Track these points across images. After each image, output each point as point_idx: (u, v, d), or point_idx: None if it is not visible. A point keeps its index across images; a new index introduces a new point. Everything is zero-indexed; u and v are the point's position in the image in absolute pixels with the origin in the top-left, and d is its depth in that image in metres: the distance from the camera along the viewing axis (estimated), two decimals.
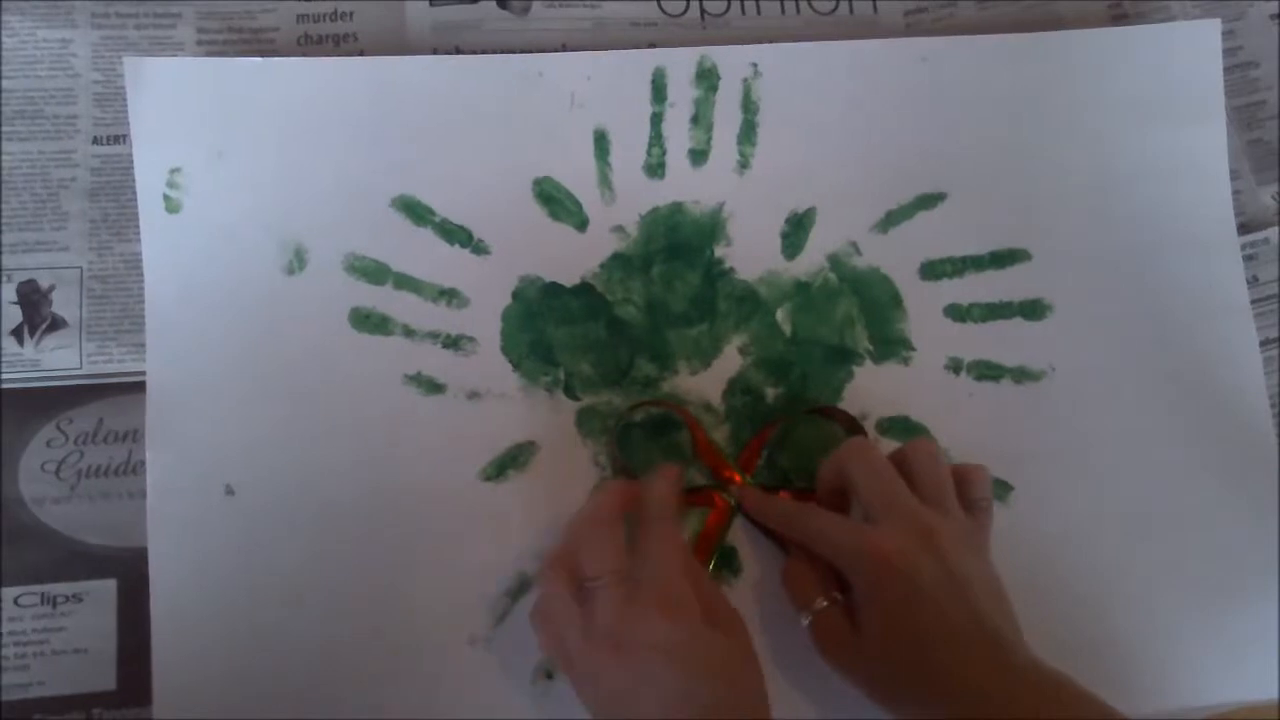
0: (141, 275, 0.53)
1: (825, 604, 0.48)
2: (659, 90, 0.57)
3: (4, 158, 0.55)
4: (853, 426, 0.55)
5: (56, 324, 0.54)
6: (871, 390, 0.56)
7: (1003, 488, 0.55)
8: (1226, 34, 0.61)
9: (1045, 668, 0.45)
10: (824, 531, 0.48)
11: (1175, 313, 0.58)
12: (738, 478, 0.53)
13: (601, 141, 0.57)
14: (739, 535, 0.53)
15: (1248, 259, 0.59)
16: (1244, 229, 0.59)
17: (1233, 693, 0.54)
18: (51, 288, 0.54)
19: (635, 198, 0.57)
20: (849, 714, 0.49)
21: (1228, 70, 0.60)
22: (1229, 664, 0.54)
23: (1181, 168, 0.59)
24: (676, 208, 0.57)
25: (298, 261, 0.54)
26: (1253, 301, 0.59)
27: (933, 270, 0.57)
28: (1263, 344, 0.58)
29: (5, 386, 0.52)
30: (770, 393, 0.55)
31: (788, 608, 0.50)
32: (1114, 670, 0.53)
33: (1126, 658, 0.54)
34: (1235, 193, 0.60)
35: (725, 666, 0.44)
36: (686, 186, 0.57)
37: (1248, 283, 0.59)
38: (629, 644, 0.44)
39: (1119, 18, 0.63)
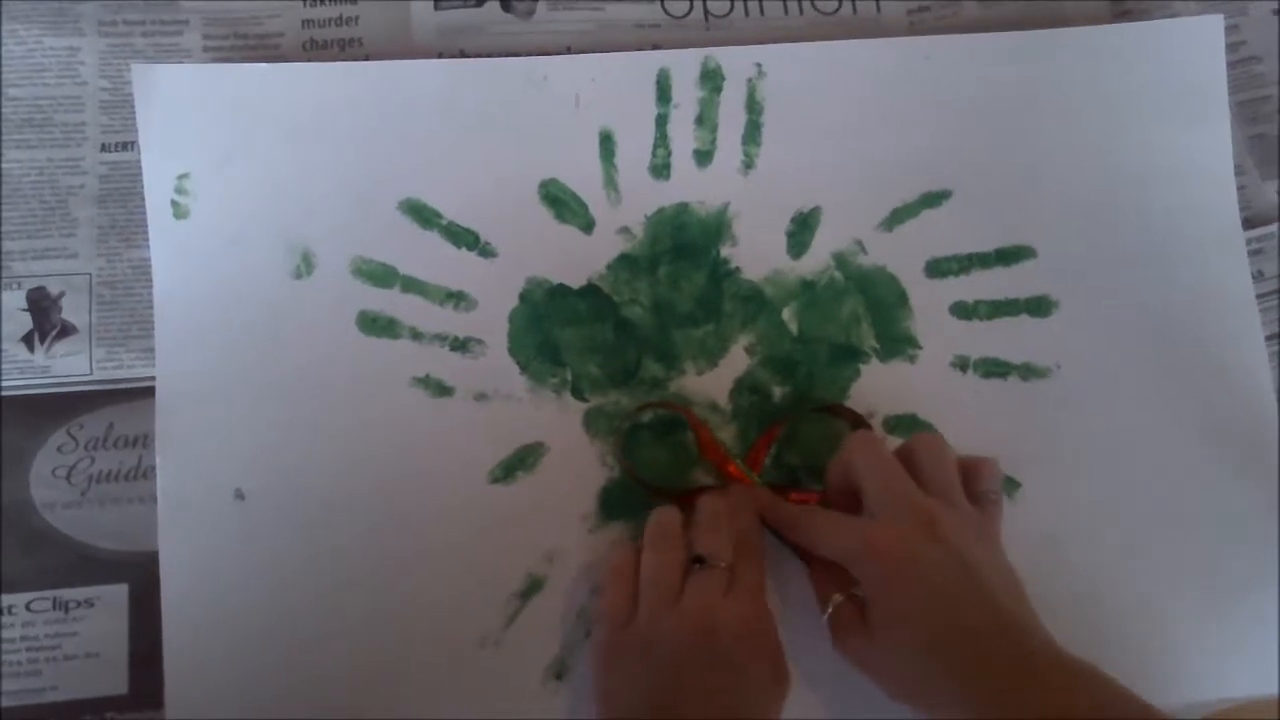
0: (150, 281, 0.53)
1: (841, 599, 0.48)
2: (663, 91, 0.57)
3: (13, 165, 0.55)
4: (859, 424, 0.55)
5: (66, 330, 0.54)
6: (878, 388, 0.56)
7: (1010, 485, 0.55)
8: (1230, 29, 0.61)
9: (1067, 655, 0.44)
10: (824, 532, 0.48)
11: (1181, 308, 0.58)
12: (745, 478, 0.53)
13: (607, 143, 0.57)
14: None
15: (1252, 254, 0.59)
16: (1248, 224, 0.59)
17: (1234, 688, 0.54)
18: (61, 294, 0.54)
19: (641, 199, 0.57)
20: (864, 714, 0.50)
21: (1231, 65, 0.60)
22: (1230, 659, 0.54)
23: (1186, 163, 0.59)
24: (682, 208, 0.57)
25: (305, 266, 0.54)
26: (1257, 296, 0.59)
27: (938, 268, 0.57)
28: (1266, 339, 0.58)
29: (16, 393, 0.53)
30: (777, 391, 0.56)
31: (796, 607, 0.50)
32: (1117, 665, 0.52)
33: (1129, 653, 0.53)
34: (1239, 188, 0.60)
35: (775, 686, 0.46)
36: (692, 187, 0.57)
37: (1252, 278, 0.59)
38: (714, 627, 0.45)
39: (1122, 15, 0.63)
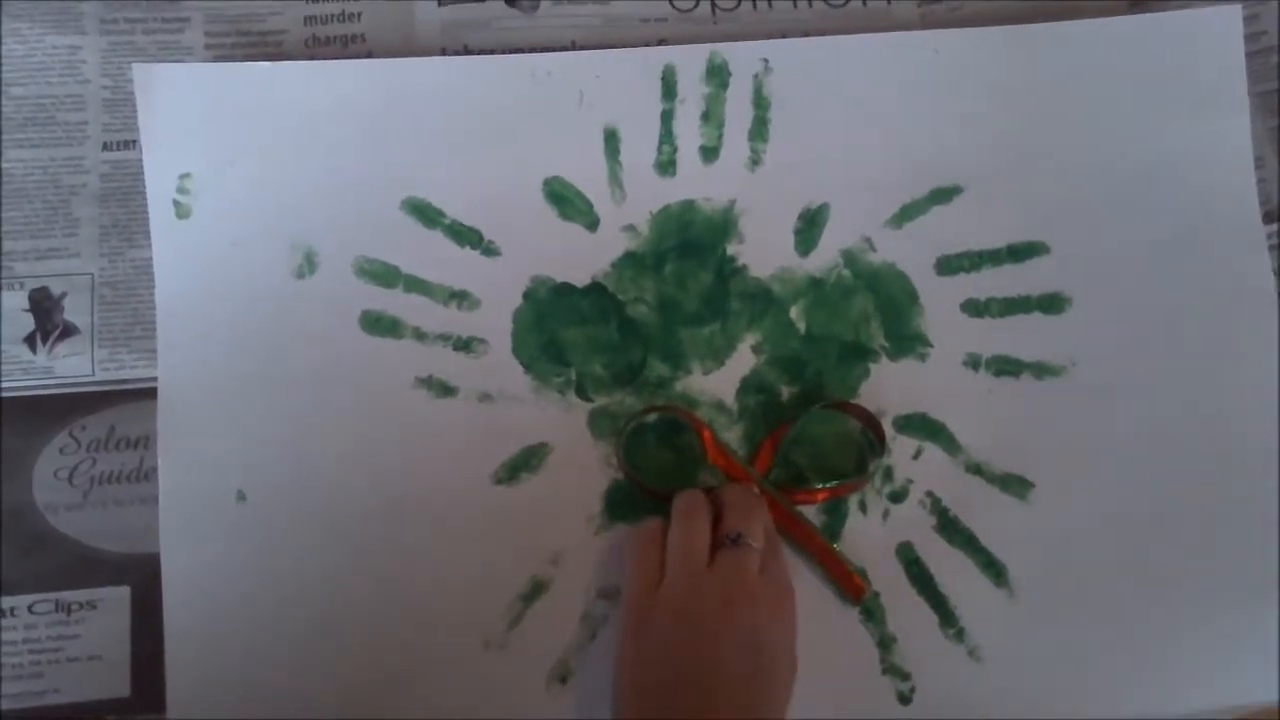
0: (152, 281, 0.53)
1: None
2: (669, 87, 0.57)
3: (15, 165, 0.55)
4: (870, 422, 0.54)
5: (68, 331, 0.54)
6: (888, 387, 0.55)
7: (1023, 485, 0.54)
8: (1248, 18, 0.59)
9: None
10: None
11: (1198, 305, 0.57)
12: (750, 481, 0.52)
13: (612, 140, 0.56)
14: None
15: (1272, 249, 0.58)
16: (1268, 218, 0.58)
17: (1234, 695, 0.53)
18: (63, 295, 0.54)
19: (646, 196, 0.56)
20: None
21: (1250, 55, 0.59)
22: (1231, 666, 0.53)
23: (1204, 156, 0.58)
24: (688, 205, 0.56)
25: (308, 265, 0.54)
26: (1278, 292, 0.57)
27: (949, 265, 0.56)
28: None
29: (18, 394, 0.53)
30: (785, 391, 0.55)
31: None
32: (1117, 670, 0.52)
33: (1133, 658, 0.53)
34: (1259, 180, 0.58)
35: (791, 673, 0.47)
36: (698, 184, 0.56)
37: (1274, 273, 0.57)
38: (750, 600, 0.46)
39: (1137, 5, 0.61)
